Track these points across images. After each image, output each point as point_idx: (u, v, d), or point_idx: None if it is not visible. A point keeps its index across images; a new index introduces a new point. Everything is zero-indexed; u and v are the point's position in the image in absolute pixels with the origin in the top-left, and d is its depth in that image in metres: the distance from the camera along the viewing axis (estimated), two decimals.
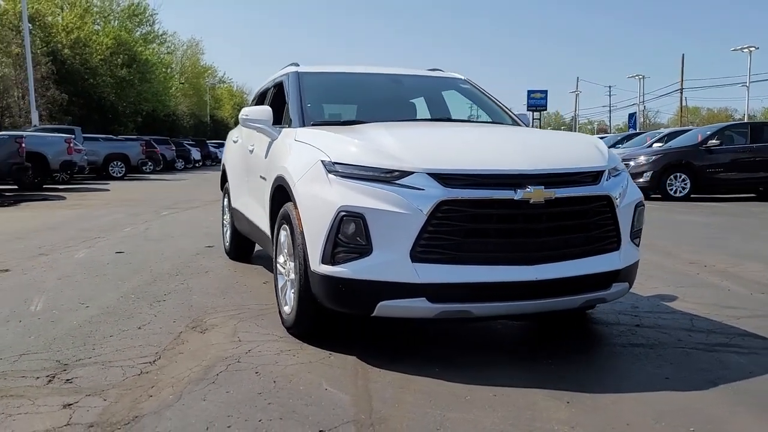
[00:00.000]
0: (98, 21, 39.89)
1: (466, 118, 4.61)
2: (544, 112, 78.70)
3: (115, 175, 23.98)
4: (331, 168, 3.23)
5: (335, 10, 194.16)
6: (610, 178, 3.40)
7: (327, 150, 3.34)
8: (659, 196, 14.08)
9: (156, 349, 3.42)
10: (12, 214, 11.46)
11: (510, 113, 4.73)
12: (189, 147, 36.47)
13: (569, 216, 3.21)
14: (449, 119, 4.42)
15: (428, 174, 3.07)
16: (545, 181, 3.13)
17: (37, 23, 32.46)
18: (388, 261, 3.03)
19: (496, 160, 3.21)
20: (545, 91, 70.32)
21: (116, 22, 42.01)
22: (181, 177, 26.15)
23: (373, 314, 3.12)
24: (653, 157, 14.36)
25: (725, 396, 2.80)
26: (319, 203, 3.21)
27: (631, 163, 14.46)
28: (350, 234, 3.07)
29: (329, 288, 3.17)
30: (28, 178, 16.40)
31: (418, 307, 3.06)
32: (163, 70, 45.86)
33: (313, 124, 4.10)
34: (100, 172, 24.26)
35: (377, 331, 3.76)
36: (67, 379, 2.98)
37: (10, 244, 7.40)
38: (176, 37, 58.68)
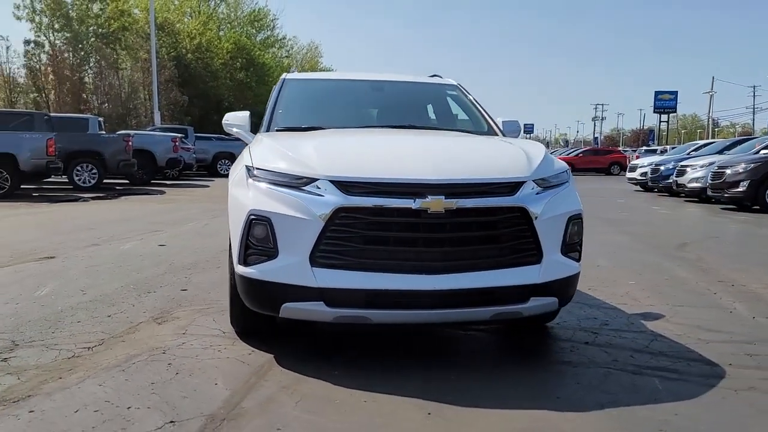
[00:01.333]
0: (223, 27, 42.31)
1: (434, 126, 4.57)
2: (673, 114, 74.39)
3: (222, 172, 25.44)
4: (251, 173, 3.37)
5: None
6: (534, 189, 3.29)
7: (253, 155, 3.49)
8: (758, 207, 13.00)
9: (104, 337, 3.72)
10: (106, 206, 12.55)
11: (488, 120, 4.66)
12: None
13: (476, 227, 3.16)
14: (413, 126, 4.42)
15: (330, 181, 3.13)
16: (449, 191, 3.09)
17: (166, 30, 35.12)
18: (291, 264, 3.13)
19: (402, 169, 3.21)
20: (675, 92, 66.55)
21: (239, 27, 44.41)
22: None
23: (279, 315, 3.24)
24: (752, 165, 13.26)
25: (598, 419, 2.67)
26: (238, 206, 3.37)
27: (728, 171, 13.47)
28: (259, 237, 3.20)
29: (244, 288, 3.32)
30: (135, 174, 17.83)
31: (316, 310, 3.13)
32: (281, 72, 47.86)
33: (276, 130, 4.27)
34: (209, 170, 25.84)
35: (322, 331, 3.87)
36: (5, 358, 3.33)
37: (78, 233, 8.17)
38: (296, 41, 61.05)
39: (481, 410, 2.74)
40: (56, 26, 30.95)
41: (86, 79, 33.00)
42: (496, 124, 4.63)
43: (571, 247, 3.47)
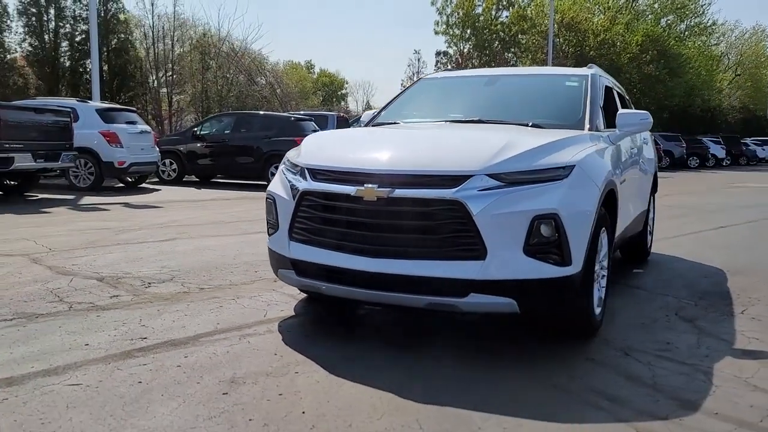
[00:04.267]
0: (633, 20, 40.70)
1: (506, 120, 4.38)
2: None
3: None
4: (284, 161, 4.10)
5: None
6: (486, 183, 3.22)
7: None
8: None
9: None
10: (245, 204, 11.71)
11: (585, 113, 4.31)
12: (708, 143, 34.39)
13: (412, 216, 3.29)
14: (480, 121, 4.38)
15: (307, 169, 3.68)
16: (387, 181, 3.32)
17: (572, 29, 35.79)
18: (280, 237, 3.78)
19: (359, 160, 3.52)
20: None
21: (651, 16, 42.12)
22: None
23: (278, 278, 3.91)
24: None
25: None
26: None
27: None
28: (270, 212, 3.93)
29: (269, 255, 4.07)
30: None
31: (290, 277, 3.73)
32: (706, 62, 43.79)
33: (372, 125, 4.84)
34: None
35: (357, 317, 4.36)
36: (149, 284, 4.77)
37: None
38: (737, 26, 54.62)
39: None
40: (465, 36, 34.81)
41: None
42: (592, 118, 4.28)
43: (540, 248, 3.25)
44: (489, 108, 4.72)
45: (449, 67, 36.09)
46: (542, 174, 3.33)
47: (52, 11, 23.39)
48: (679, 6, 43.39)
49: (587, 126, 4.22)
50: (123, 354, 3.29)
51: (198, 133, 15.03)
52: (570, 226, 3.26)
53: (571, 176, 3.37)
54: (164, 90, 26.02)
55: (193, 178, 15.91)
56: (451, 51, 36.72)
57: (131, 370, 3.07)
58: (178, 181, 15.13)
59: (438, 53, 36.52)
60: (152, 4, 35.22)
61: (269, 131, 14.31)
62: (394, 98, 5.21)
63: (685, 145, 31.86)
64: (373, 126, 4.83)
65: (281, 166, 4.04)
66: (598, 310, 3.81)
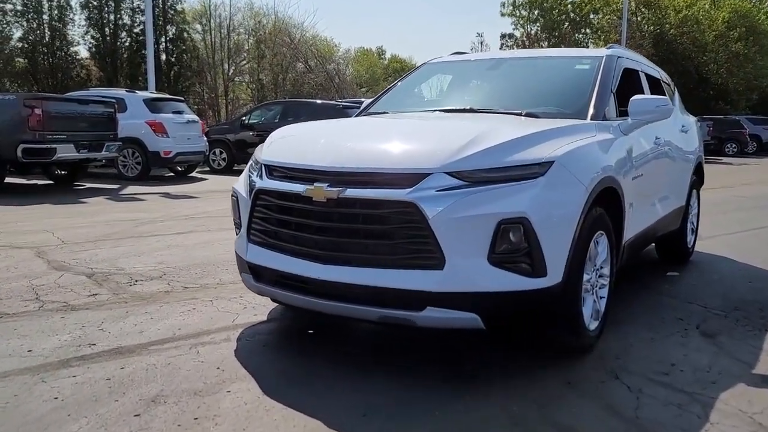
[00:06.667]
0: None
1: (500, 109, 3.90)
2: None
3: None
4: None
5: None
6: (445, 183, 2.83)
7: None
8: None
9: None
10: None
11: (591, 99, 3.80)
12: None
13: (363, 219, 2.94)
14: (471, 110, 3.92)
15: (264, 165, 3.38)
16: (337, 179, 2.98)
17: (651, 7, 33.90)
18: (241, 238, 3.51)
19: (315, 156, 3.18)
20: None
21: None
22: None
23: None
24: None
25: None
26: None
27: None
28: (235, 212, 3.66)
29: None
30: None
31: (249, 282, 3.45)
32: None
33: (364, 114, 4.49)
34: None
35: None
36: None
37: None
38: None
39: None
40: (532, 17, 33.57)
41: None
42: (598, 105, 3.77)
43: (509, 257, 2.83)
44: (486, 95, 4.29)
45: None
46: (512, 172, 2.90)
47: (111, 4, 24.05)
48: None
49: (590, 114, 3.72)
50: (59, 363, 3.10)
51: (246, 122, 15.04)
52: (543, 232, 2.83)
53: (549, 174, 2.92)
54: (221, 80, 26.32)
55: (243, 168, 15.96)
56: (517, 33, 35.65)
57: (56, 383, 2.87)
58: (228, 171, 15.20)
59: (503, 35, 35.53)
60: None
61: (316, 119, 14.11)
62: (395, 83, 4.82)
63: None
64: (364, 115, 4.48)
65: (250, 161, 3.76)
66: (594, 325, 3.35)
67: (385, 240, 2.90)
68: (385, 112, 4.33)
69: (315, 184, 3.00)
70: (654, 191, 4.40)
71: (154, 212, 8.32)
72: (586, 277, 3.20)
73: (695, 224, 5.89)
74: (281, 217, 3.21)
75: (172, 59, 23.30)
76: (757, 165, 21.18)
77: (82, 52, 24.05)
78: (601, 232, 3.34)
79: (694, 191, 5.68)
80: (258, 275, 3.37)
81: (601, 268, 3.45)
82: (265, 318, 3.88)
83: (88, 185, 11.60)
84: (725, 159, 25.13)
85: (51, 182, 11.79)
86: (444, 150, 2.95)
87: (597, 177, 3.18)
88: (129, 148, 12.14)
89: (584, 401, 2.78)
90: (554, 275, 2.89)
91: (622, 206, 3.59)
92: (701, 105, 31.78)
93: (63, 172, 11.60)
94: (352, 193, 2.92)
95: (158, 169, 13.55)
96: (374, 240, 2.93)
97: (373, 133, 3.58)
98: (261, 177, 3.34)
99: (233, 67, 26.85)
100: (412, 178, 2.87)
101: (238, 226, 3.59)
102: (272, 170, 3.31)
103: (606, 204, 3.37)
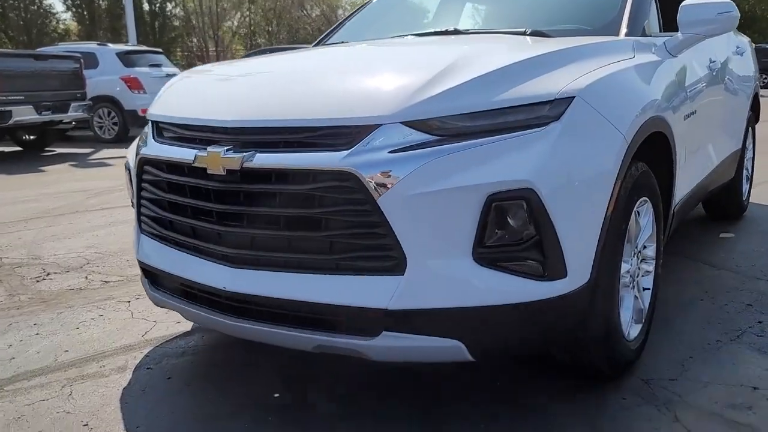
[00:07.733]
0: None
1: (497, 28, 2.81)
2: None
3: None
4: None
5: None
6: (404, 140, 1.79)
7: None
8: None
9: None
10: None
11: (625, 11, 2.69)
12: None
13: (284, 201, 1.90)
14: (456, 32, 2.83)
15: (152, 122, 2.35)
16: (249, 140, 1.95)
17: None
18: (135, 227, 2.50)
19: (213, 106, 2.14)
20: None
21: None
22: None
23: None
24: None
25: None
26: None
27: None
28: (129, 190, 2.63)
29: None
30: None
31: (148, 292, 2.44)
32: None
33: (314, 45, 3.42)
34: None
35: None
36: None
37: None
38: None
39: None
40: None
41: None
42: (634, 15, 2.66)
43: (506, 251, 1.80)
44: (480, 13, 3.17)
45: None
46: (507, 117, 1.83)
47: None
48: None
49: (624, 29, 2.62)
50: None
51: None
52: (560, 210, 1.78)
53: (566, 117, 1.85)
54: (210, 30, 24.78)
55: None
56: None
57: None
58: None
59: None
60: None
61: None
62: (364, 4, 3.71)
63: None
64: (313, 47, 3.40)
65: None
66: (635, 331, 2.33)
67: (315, 232, 1.86)
68: (342, 42, 3.24)
69: (209, 148, 1.97)
70: (709, 133, 3.30)
71: (114, 180, 7.32)
72: (624, 267, 2.17)
73: (750, 170, 4.77)
74: (173, 198, 2.18)
75: (155, 8, 21.78)
76: None
77: (58, 5, 22.66)
78: (645, 198, 2.29)
79: (750, 129, 4.54)
80: (155, 280, 2.38)
81: (644, 248, 2.41)
82: (188, 329, 2.89)
83: (60, 150, 10.61)
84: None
85: (20, 149, 10.81)
86: (401, 88, 1.88)
87: (639, 118, 2.11)
88: (103, 107, 11.09)
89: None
90: (578, 275, 1.86)
91: (673, 157, 2.53)
92: None
93: (30, 137, 10.61)
94: (262, 160, 1.88)
95: (138, 129, 12.50)
96: (300, 231, 1.89)
97: (307, 69, 2.51)
98: (146, 141, 2.32)
99: (222, 12, 25.18)
100: (351, 134, 1.82)
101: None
102: (162, 130, 2.29)
103: (650, 157, 2.31)
